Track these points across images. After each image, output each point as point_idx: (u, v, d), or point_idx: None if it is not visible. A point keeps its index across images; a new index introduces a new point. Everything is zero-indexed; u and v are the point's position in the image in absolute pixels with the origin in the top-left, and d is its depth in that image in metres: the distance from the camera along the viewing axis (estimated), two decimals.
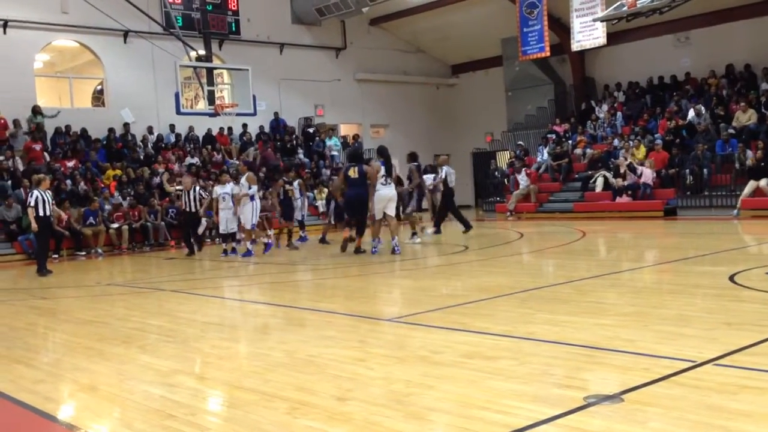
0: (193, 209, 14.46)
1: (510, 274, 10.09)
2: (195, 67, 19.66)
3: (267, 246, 15.01)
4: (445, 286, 9.23)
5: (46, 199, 13.11)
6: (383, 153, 13.73)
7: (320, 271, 11.84)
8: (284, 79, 27.15)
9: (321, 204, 21.06)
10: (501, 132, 29.08)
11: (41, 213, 13.00)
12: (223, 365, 5.48)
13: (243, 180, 14.43)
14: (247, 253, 14.47)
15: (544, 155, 24.44)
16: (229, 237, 14.79)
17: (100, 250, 17.97)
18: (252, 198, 14.43)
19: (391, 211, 13.41)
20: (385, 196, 13.29)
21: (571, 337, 5.58)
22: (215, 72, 20.34)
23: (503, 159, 28.15)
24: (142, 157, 22.41)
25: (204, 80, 19.64)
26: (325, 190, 20.50)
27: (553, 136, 24.96)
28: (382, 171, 13.25)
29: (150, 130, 23.67)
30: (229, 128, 25.32)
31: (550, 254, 12.60)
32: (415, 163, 15.71)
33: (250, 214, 14.41)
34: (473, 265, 11.67)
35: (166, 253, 17.24)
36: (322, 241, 16.08)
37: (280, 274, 11.92)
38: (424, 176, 25.15)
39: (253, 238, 14.79)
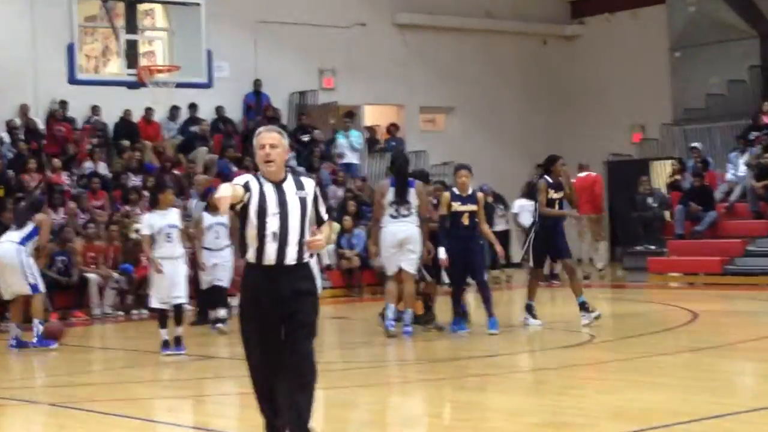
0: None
1: (673, 388, 10.06)
2: (105, 1, 19.88)
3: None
4: (550, 407, 9.25)
5: None
6: (396, 162, 15.10)
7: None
8: (264, 22, 27.40)
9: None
10: (660, 125, 28.85)
11: None
12: None
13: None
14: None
15: (739, 169, 24.17)
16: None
17: None
18: None
19: (409, 264, 14.26)
20: (395, 237, 14.28)
21: None
22: (140, 9, 20.55)
23: (663, 173, 27.84)
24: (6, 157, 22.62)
25: (120, 24, 19.87)
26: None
27: (759, 134, 24.67)
28: (391, 195, 14.28)
29: (23, 110, 23.94)
30: (173, 109, 25.55)
31: (746, 352, 12.64)
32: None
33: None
34: (605, 369, 11.73)
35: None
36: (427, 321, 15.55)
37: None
38: (518, 202, 25.16)
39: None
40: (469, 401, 10.00)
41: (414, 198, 14.34)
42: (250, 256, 7.13)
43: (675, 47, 28.78)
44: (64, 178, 22.39)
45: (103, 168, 23.29)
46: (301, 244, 7.15)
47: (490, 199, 23.41)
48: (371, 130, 28.49)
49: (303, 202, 7.21)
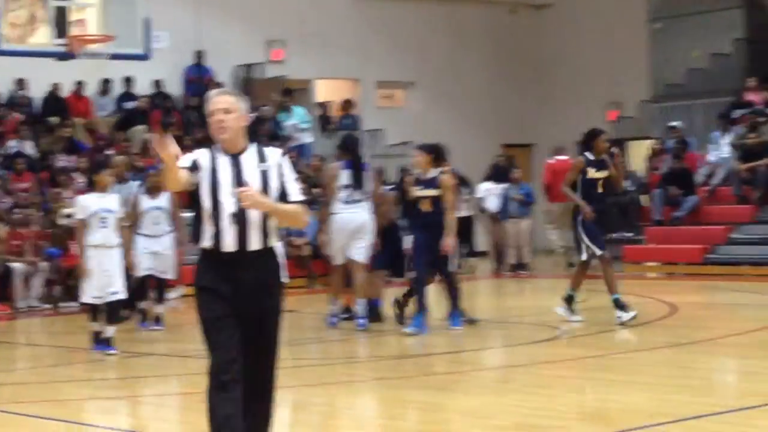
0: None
1: (650, 387, 10.07)
2: None
3: None
4: (519, 407, 9.23)
5: None
6: (349, 146, 15.25)
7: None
8: None
9: None
10: (638, 102, 29.03)
11: None
12: None
13: None
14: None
15: (723, 149, 24.30)
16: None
17: None
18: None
19: (359, 254, 14.49)
20: (347, 224, 14.44)
21: None
22: None
23: (640, 154, 27.98)
24: None
25: None
26: None
27: (744, 113, 24.82)
28: (344, 178, 14.52)
29: None
30: (105, 83, 25.43)
31: (728, 348, 12.76)
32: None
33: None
34: (578, 366, 11.76)
35: None
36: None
37: (184, 374, 11.92)
38: (484, 185, 25.20)
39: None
40: (431, 402, 9.93)
41: (368, 182, 14.54)
42: (207, 242, 6.54)
43: (654, 18, 28.87)
44: None
45: (29, 147, 23.14)
46: (265, 226, 6.55)
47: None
48: (324, 106, 28.42)
49: (265, 175, 6.57)
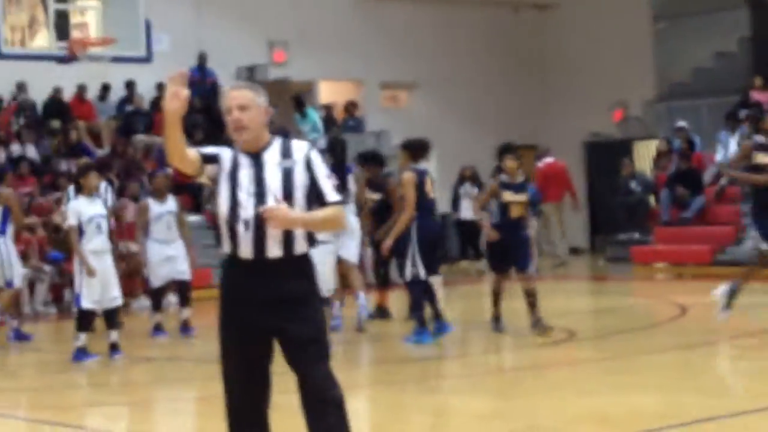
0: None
1: (659, 389, 10.11)
2: None
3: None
4: (527, 410, 9.27)
5: None
6: (336, 148, 15.57)
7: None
8: None
9: None
10: (643, 102, 29.04)
11: None
12: None
13: None
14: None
15: (730, 148, 24.30)
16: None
17: None
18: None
19: (350, 254, 14.82)
20: None
21: None
22: None
23: (647, 154, 27.98)
24: None
25: None
26: None
27: (749, 113, 24.82)
28: None
29: None
30: (103, 89, 25.42)
31: (739, 350, 12.76)
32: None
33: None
34: (586, 369, 11.74)
35: None
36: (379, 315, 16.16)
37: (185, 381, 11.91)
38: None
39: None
40: (437, 405, 10.02)
41: (353, 185, 14.84)
42: (226, 248, 6.00)
43: (659, 17, 28.86)
44: None
45: (32, 151, 23.16)
46: (288, 231, 5.90)
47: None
48: (327, 108, 28.43)
49: (288, 174, 5.94)
